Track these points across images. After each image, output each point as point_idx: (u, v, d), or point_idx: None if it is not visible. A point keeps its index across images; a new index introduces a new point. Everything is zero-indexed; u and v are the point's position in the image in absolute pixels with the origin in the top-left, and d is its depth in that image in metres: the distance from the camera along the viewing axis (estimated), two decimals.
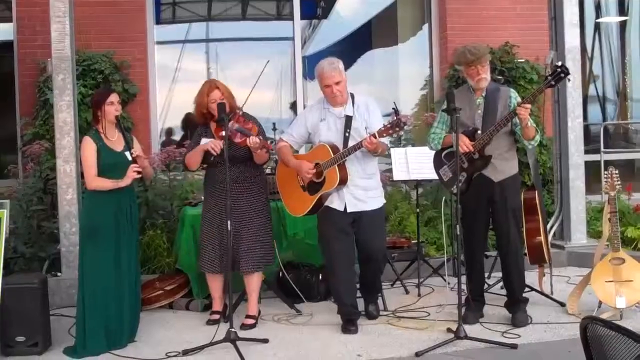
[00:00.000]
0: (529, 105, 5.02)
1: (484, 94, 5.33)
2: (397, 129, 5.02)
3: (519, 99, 5.30)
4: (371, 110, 5.39)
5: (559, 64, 5.11)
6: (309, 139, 5.52)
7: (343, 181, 5.25)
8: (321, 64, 5.38)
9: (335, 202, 5.33)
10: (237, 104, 5.60)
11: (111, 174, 5.08)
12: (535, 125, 5.27)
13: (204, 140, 5.54)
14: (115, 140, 5.19)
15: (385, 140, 5.33)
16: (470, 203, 5.31)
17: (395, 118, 5.00)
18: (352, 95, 5.43)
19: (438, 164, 5.53)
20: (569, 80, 5.30)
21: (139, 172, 5.10)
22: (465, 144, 5.18)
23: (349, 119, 5.32)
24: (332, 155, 5.21)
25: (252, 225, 5.53)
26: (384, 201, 5.57)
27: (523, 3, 9.11)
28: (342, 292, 5.45)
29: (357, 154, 5.22)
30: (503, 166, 5.31)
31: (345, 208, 5.31)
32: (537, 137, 5.27)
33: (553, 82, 5.10)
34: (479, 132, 5.24)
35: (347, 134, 5.29)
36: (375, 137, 5.00)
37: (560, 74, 5.02)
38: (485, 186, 5.30)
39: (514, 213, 5.35)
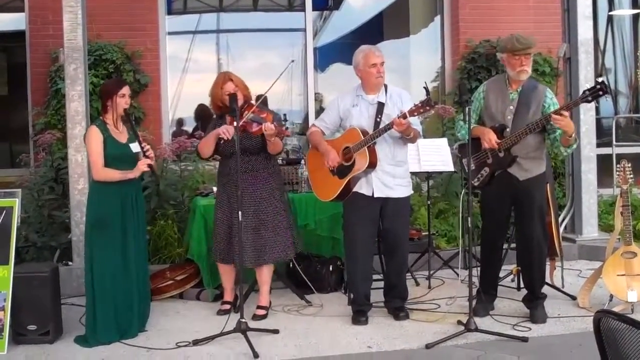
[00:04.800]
0: (566, 114, 4.90)
1: (519, 89, 5.22)
2: (428, 107, 5.01)
3: (555, 101, 5.20)
4: (404, 99, 5.39)
5: (600, 80, 4.94)
6: (341, 125, 5.52)
7: (372, 164, 5.23)
8: (365, 47, 5.42)
9: (363, 188, 5.31)
10: (251, 95, 5.63)
11: (115, 166, 5.06)
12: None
13: None
14: (120, 132, 5.18)
15: (419, 127, 5.34)
16: (493, 198, 5.28)
17: (425, 97, 5.00)
18: (386, 86, 5.43)
19: (464, 153, 5.42)
20: (606, 99, 5.15)
21: (149, 166, 5.11)
22: (490, 141, 5.11)
23: (381, 106, 5.32)
24: (363, 138, 5.21)
25: (267, 218, 5.52)
26: (412, 191, 5.56)
27: None
28: (358, 279, 5.43)
29: (387, 139, 5.22)
30: (529, 165, 5.21)
31: (372, 193, 5.30)
32: (574, 145, 5.16)
33: (590, 98, 4.92)
34: (508, 129, 5.15)
35: (378, 120, 5.28)
36: (405, 117, 4.99)
37: (599, 92, 4.85)
38: (509, 183, 5.22)
39: (540, 211, 5.26)
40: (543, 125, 5.07)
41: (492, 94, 5.19)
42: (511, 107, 5.21)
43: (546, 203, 5.44)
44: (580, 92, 5.16)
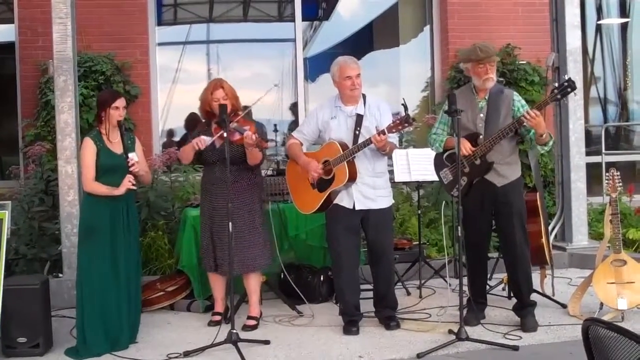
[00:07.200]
0: (536, 112, 4.94)
1: (486, 96, 5.29)
2: (406, 124, 5.06)
3: (523, 102, 5.28)
4: (382, 111, 5.42)
5: (567, 77, 5.05)
6: (320, 137, 5.52)
7: (352, 178, 5.25)
8: (340, 58, 5.45)
9: (344, 200, 5.34)
10: (240, 106, 5.63)
11: (110, 176, 5.08)
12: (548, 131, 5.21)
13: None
14: (115, 143, 5.19)
15: (395, 139, 5.36)
16: (472, 206, 5.28)
17: (404, 114, 5.03)
18: (364, 96, 5.45)
19: (439, 165, 5.50)
20: (575, 94, 5.23)
21: (133, 184, 5.10)
22: (466, 148, 5.15)
23: (359, 118, 5.34)
24: (342, 152, 5.22)
25: (246, 227, 5.51)
26: (392, 201, 5.58)
27: (524, 5, 9.11)
28: (346, 290, 5.44)
29: (366, 152, 5.24)
30: (505, 171, 5.26)
31: (353, 206, 5.32)
32: (550, 143, 5.21)
33: (559, 96, 5.03)
34: (481, 137, 5.20)
35: (357, 132, 5.30)
36: (384, 134, 5.01)
37: (567, 88, 4.96)
38: (487, 190, 5.27)
39: (519, 216, 5.30)
40: (515, 129, 5.13)
41: (460, 105, 5.22)
42: (481, 115, 5.27)
43: (525, 208, 5.46)
44: (567, 97, 5.24)
